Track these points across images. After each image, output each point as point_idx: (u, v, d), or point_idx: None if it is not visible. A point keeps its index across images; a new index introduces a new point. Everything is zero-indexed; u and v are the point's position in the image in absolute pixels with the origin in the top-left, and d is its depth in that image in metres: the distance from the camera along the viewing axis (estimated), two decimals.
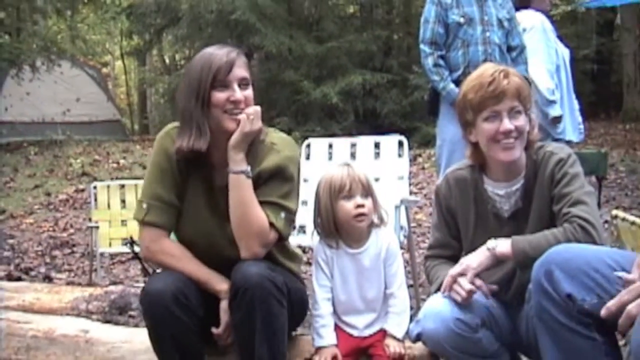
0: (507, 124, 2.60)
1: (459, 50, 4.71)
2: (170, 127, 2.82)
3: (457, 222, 2.83)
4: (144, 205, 2.75)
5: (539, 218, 2.62)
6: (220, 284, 2.67)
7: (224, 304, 2.65)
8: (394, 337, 2.79)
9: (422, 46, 4.79)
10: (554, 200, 2.58)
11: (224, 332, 2.66)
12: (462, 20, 4.68)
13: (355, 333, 2.84)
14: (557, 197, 2.57)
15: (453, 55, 4.73)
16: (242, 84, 2.69)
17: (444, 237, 2.87)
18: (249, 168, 2.66)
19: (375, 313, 2.85)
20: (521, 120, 2.62)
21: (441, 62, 4.73)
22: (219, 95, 2.64)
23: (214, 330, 2.66)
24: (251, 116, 2.65)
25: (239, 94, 2.66)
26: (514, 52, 4.83)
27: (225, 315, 2.65)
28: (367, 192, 2.80)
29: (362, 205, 2.77)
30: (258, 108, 2.69)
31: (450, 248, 2.84)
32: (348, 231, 2.82)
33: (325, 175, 2.85)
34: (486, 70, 2.67)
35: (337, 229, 2.82)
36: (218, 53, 2.69)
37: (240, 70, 2.69)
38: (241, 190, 2.64)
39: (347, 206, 2.76)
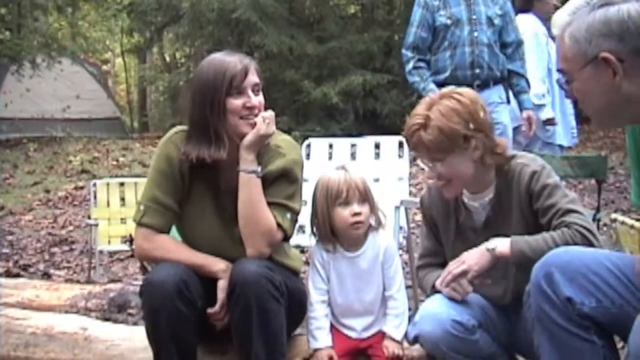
0: (428, 173, 2.69)
1: (447, 52, 4.71)
2: (173, 133, 2.83)
3: (439, 231, 2.83)
4: (141, 207, 2.77)
5: (518, 232, 2.57)
6: (217, 265, 2.69)
7: (221, 283, 2.66)
8: (393, 339, 2.79)
9: (403, 51, 4.83)
10: (539, 213, 2.56)
11: (220, 310, 2.66)
12: (449, 21, 4.67)
13: (353, 335, 2.84)
14: (542, 210, 2.54)
15: (441, 58, 4.74)
16: (255, 89, 2.71)
17: (433, 245, 2.87)
18: (259, 168, 2.68)
19: (374, 315, 2.85)
20: (441, 168, 2.61)
21: (421, 64, 4.75)
22: (235, 102, 2.66)
23: (210, 309, 2.66)
24: (267, 120, 2.68)
25: (254, 99, 2.69)
26: (509, 49, 4.82)
27: (222, 293, 2.65)
28: (364, 197, 2.79)
29: (358, 213, 2.76)
30: (272, 112, 2.72)
31: (440, 255, 2.82)
32: (345, 236, 2.82)
33: (322, 179, 2.84)
34: (412, 117, 2.64)
35: (334, 234, 2.82)
36: (231, 60, 2.69)
37: (254, 76, 2.71)
38: (251, 189, 2.66)
39: (344, 213, 2.76)
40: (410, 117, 2.65)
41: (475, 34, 4.67)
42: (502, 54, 4.80)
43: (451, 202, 2.75)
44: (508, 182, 2.64)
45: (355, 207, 2.75)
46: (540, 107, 5.14)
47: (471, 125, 2.57)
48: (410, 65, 4.77)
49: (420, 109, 2.63)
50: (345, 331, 2.85)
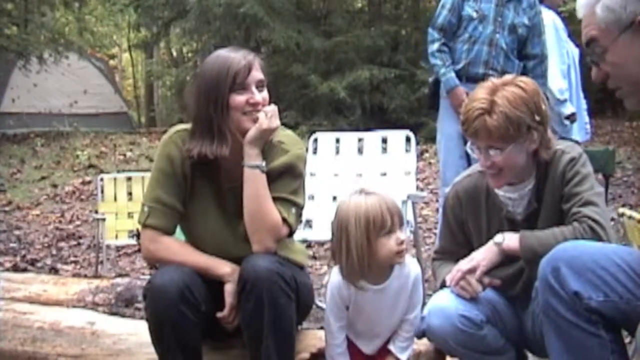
0: (482, 160, 2.59)
1: (465, 44, 4.69)
2: (173, 132, 2.82)
3: (465, 231, 2.78)
4: (145, 209, 2.76)
5: (548, 216, 2.59)
6: (222, 268, 2.68)
7: (228, 287, 2.65)
8: (397, 359, 2.74)
9: (430, 30, 4.79)
10: (564, 198, 2.55)
11: (229, 314, 2.66)
12: (475, 14, 4.65)
13: (368, 351, 2.77)
14: (567, 196, 2.54)
15: (458, 48, 4.72)
16: (259, 85, 2.70)
17: (449, 245, 2.85)
18: (263, 163, 2.67)
19: (388, 336, 2.77)
20: (498, 157, 2.53)
21: (445, 49, 4.73)
22: (239, 98, 2.65)
23: (219, 314, 2.66)
24: (269, 114, 2.66)
25: (258, 96, 2.67)
26: (531, 61, 4.75)
27: (230, 297, 2.64)
28: (402, 221, 2.60)
29: (403, 241, 2.56)
30: (275, 107, 2.70)
31: (455, 254, 2.77)
32: (380, 267, 2.62)
33: (357, 210, 2.55)
34: (474, 101, 2.55)
35: (370, 267, 2.59)
36: (235, 56, 2.68)
37: (258, 73, 2.70)
38: (256, 184, 2.65)
39: (390, 243, 2.54)
40: (469, 100, 2.57)
41: (497, 35, 4.64)
42: (521, 63, 4.73)
43: (482, 198, 2.72)
44: (547, 169, 2.62)
45: (400, 235, 2.55)
46: (562, 102, 5.12)
47: (536, 117, 2.52)
48: (434, 47, 4.74)
49: (481, 92, 2.54)
50: (361, 346, 2.77)
